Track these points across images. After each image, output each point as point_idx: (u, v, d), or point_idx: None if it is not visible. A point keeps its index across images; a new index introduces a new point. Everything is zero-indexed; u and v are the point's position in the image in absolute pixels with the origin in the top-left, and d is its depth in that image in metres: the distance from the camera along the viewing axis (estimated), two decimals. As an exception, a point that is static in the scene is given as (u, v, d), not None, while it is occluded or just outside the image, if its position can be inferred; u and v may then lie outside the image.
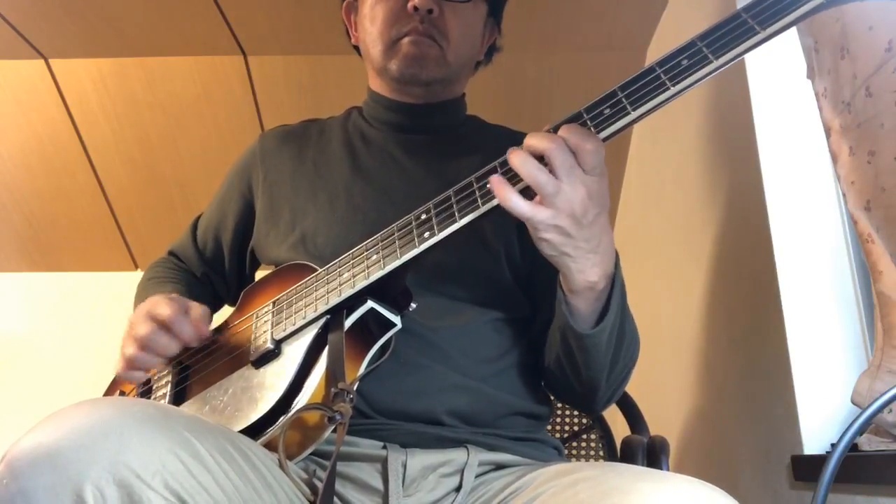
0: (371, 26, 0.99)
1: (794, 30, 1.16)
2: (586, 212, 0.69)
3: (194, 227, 1.15)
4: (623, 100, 0.68)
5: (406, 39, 0.96)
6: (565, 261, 0.73)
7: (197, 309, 0.87)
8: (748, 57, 1.29)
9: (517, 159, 0.68)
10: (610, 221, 0.75)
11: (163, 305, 0.85)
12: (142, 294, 1.04)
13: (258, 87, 2.13)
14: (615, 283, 0.77)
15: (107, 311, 2.63)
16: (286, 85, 2.11)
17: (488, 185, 0.70)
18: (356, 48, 1.11)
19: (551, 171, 0.67)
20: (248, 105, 2.17)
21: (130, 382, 0.95)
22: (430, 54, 0.97)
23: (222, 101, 2.16)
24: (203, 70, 2.09)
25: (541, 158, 0.68)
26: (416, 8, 0.94)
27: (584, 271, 0.74)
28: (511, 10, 1.13)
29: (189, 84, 2.12)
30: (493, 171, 0.73)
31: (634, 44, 1.92)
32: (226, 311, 1.01)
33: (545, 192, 0.67)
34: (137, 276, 1.14)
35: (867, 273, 1.00)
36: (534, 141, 0.68)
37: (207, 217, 1.12)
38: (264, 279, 0.94)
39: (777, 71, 1.27)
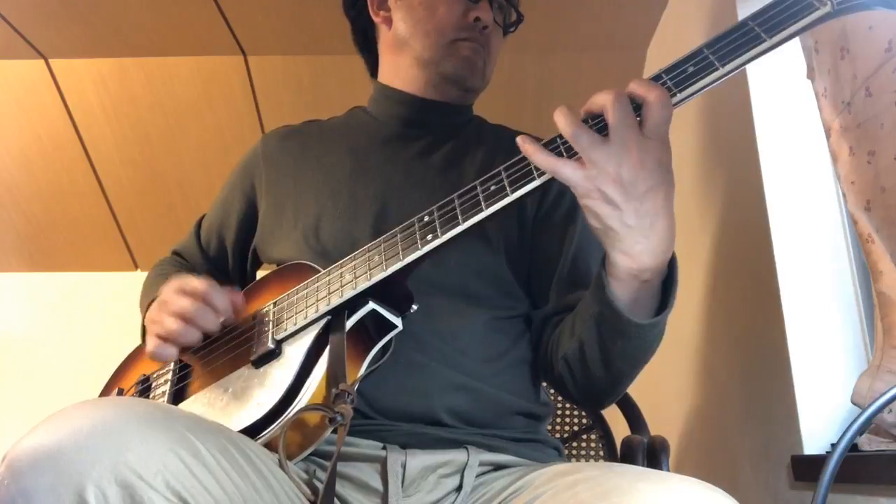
0: (429, 16, 1.00)
1: (794, 30, 1.16)
2: (636, 179, 0.63)
3: (198, 227, 1.15)
4: None
5: (467, 44, 1.00)
6: (611, 237, 0.68)
7: (226, 287, 0.88)
8: (748, 57, 1.30)
9: (560, 112, 0.65)
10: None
11: (195, 281, 0.85)
12: (150, 289, 1.04)
13: (258, 87, 2.13)
14: (673, 279, 0.73)
15: (107, 311, 2.62)
16: (286, 85, 2.11)
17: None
18: (357, 32, 1.11)
19: (606, 126, 0.64)
20: (248, 105, 2.17)
21: (160, 361, 0.93)
22: (479, 64, 1.02)
23: (222, 101, 2.16)
24: (203, 70, 2.09)
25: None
26: (477, 19, 0.99)
27: (629, 254, 0.68)
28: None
29: (189, 84, 2.12)
30: (497, 175, 0.73)
31: (634, 44, 1.92)
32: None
33: (580, 143, 0.63)
34: (137, 275, 1.15)
35: (867, 273, 1.00)
36: (597, 97, 0.65)
37: (210, 217, 1.13)
38: (264, 279, 0.94)
39: (777, 71, 1.27)
